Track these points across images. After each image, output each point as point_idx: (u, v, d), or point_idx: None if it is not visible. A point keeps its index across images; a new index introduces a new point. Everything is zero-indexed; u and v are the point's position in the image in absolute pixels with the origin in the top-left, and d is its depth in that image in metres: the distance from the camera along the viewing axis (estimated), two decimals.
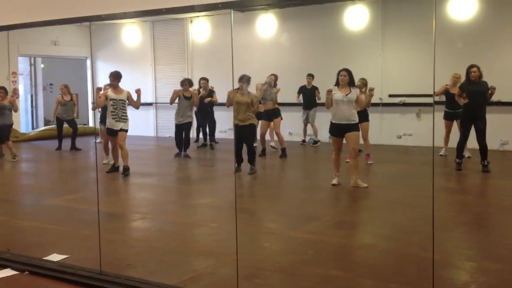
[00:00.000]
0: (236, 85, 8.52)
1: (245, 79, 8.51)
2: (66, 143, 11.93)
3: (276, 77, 10.63)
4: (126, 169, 8.49)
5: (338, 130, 7.30)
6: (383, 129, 11.64)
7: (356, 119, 7.31)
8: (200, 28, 14.49)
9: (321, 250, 4.83)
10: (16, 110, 11.27)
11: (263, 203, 7.03)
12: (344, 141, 7.41)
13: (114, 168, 8.82)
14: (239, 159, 8.62)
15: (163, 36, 15.16)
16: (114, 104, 8.51)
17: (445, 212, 5.81)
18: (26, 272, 4.30)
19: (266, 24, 13.53)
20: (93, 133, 12.46)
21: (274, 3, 12.29)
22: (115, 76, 8.52)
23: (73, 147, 11.90)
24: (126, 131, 8.64)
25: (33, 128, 16.10)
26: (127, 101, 8.60)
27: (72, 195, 7.40)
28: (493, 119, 10.45)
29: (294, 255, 4.69)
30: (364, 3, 12.13)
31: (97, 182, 5.43)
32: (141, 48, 15.38)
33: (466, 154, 9.02)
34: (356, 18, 12.22)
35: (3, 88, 10.68)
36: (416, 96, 10.46)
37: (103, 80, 15.73)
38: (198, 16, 14.29)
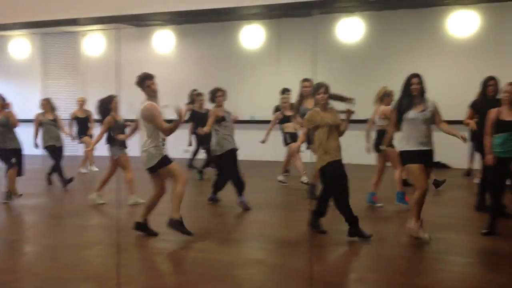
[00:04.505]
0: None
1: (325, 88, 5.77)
2: None
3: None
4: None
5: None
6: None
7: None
8: (94, 43, 14.06)
9: (211, 268, 4.80)
10: None
11: (152, 221, 6.86)
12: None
13: None
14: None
15: (54, 50, 14.51)
16: None
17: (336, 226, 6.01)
18: None
19: (163, 40, 13.42)
20: None
21: (164, 19, 12.27)
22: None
23: None
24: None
25: None
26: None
27: None
28: None
29: (182, 275, 4.63)
30: (260, 22, 12.42)
31: None
32: (29, 62, 14.61)
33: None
34: (252, 37, 12.54)
35: None
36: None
37: None
38: (91, 30, 13.87)
